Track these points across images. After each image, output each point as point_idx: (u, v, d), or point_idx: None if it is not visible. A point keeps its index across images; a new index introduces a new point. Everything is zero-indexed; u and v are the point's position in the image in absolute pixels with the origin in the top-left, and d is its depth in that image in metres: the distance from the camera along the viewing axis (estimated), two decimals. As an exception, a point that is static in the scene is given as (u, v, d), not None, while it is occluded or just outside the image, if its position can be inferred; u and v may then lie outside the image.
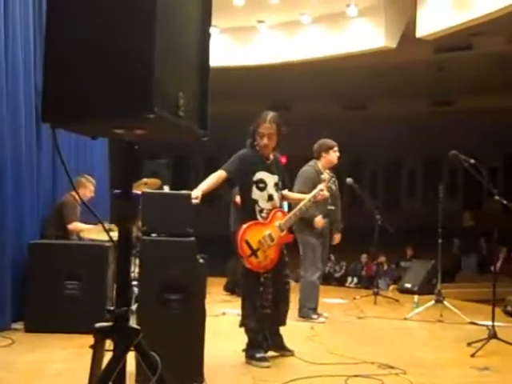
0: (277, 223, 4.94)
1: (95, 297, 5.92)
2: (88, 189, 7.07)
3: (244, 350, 5.04)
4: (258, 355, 4.91)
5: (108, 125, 2.20)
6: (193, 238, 3.98)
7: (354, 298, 9.67)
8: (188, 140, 2.53)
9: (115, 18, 2.06)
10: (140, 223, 3.99)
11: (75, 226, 6.76)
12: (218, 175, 4.75)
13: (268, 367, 4.82)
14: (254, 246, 4.82)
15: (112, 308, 2.30)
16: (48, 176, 7.10)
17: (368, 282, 12.91)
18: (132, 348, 2.28)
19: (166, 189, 6.51)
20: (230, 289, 9.39)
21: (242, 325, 5.04)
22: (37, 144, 6.67)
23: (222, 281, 10.14)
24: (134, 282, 5.46)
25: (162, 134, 2.47)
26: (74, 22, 2.11)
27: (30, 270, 6.02)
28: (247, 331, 5.00)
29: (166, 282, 3.89)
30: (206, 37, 2.41)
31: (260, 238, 4.85)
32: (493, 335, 5.51)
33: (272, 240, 4.89)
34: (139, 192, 2.31)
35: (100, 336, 2.32)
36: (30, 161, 6.40)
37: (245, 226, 4.83)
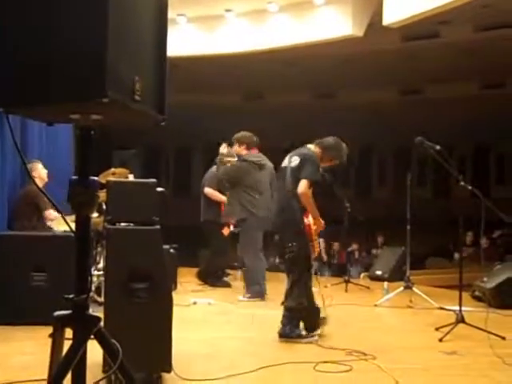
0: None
1: (62, 288, 5.73)
2: (38, 170, 6.94)
3: (283, 332, 5.35)
4: (304, 332, 5.36)
5: (63, 110, 2.18)
6: (158, 226, 3.94)
7: (325, 286, 9.70)
8: (145, 125, 2.51)
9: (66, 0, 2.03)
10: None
11: (51, 213, 6.74)
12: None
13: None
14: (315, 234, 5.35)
15: (71, 296, 2.30)
16: (12, 165, 7.00)
17: (340, 271, 12.98)
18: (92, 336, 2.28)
19: (131, 178, 6.46)
20: (203, 278, 9.37)
21: (292, 305, 5.34)
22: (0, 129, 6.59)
23: (194, 271, 10.11)
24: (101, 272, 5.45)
25: (119, 119, 2.45)
26: (20, 6, 2.08)
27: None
28: (299, 310, 5.33)
29: (132, 270, 3.85)
30: (162, 21, 2.39)
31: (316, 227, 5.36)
32: (460, 320, 5.59)
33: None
34: (96, 178, 2.26)
35: (59, 324, 2.32)
36: None
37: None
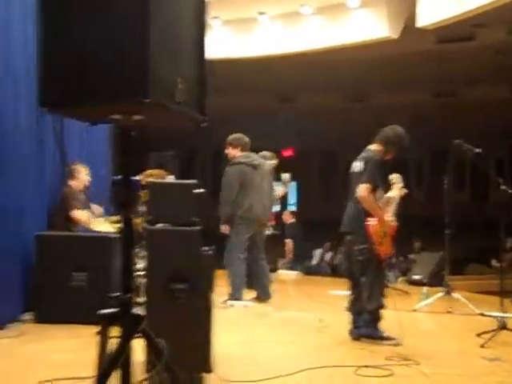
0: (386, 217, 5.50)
1: (101, 288, 5.83)
2: (81, 175, 7.05)
3: (366, 332, 5.43)
4: (386, 334, 5.42)
5: (105, 110, 2.20)
6: (198, 227, 3.94)
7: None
8: (186, 126, 2.52)
9: (111, 3, 2.05)
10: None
11: (74, 214, 6.79)
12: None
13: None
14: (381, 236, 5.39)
15: (116, 294, 2.32)
16: (53, 164, 7.05)
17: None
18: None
19: (172, 179, 6.48)
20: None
21: (373, 307, 5.41)
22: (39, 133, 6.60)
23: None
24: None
25: (160, 120, 2.47)
26: (70, 8, 2.10)
27: (38, 261, 6.04)
28: (379, 311, 5.42)
29: (172, 271, 3.86)
30: (201, 23, 2.41)
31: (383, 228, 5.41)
32: (502, 326, 5.49)
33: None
34: (138, 178, 2.28)
35: (105, 322, 2.33)
36: (33, 151, 6.38)
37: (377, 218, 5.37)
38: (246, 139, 7.70)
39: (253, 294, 7.77)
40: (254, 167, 7.57)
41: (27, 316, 6.04)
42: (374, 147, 5.58)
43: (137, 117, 2.22)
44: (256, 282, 7.70)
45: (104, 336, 2.37)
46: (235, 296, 7.40)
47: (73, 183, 7.01)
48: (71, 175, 7.01)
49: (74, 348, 5.01)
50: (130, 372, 2.32)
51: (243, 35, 12.46)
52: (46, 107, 2.15)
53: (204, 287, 4.03)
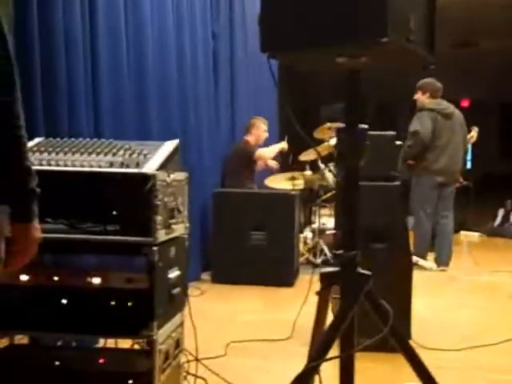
0: None
1: (282, 248, 6.06)
2: (261, 129, 7.18)
3: None
4: None
5: (330, 54, 2.14)
6: (397, 183, 3.85)
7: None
8: (413, 66, 2.42)
9: None
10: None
11: (262, 151, 7.01)
12: None
13: None
14: None
15: (339, 252, 2.27)
16: (226, 122, 7.29)
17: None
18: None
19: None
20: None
21: None
22: (214, 88, 6.86)
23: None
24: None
25: (388, 61, 2.38)
26: None
27: (215, 220, 6.21)
28: None
29: (370, 230, 3.79)
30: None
31: None
32: None
33: None
34: (365, 127, 2.21)
35: (326, 282, 2.30)
36: (208, 105, 6.59)
37: None
38: (438, 85, 7.35)
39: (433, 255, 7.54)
40: (446, 116, 7.25)
41: (205, 275, 6.28)
42: None
43: (364, 59, 2.14)
44: (436, 242, 7.43)
45: (324, 297, 2.33)
46: (418, 256, 7.22)
47: (249, 138, 7.14)
48: (248, 130, 7.16)
49: (259, 309, 5.14)
50: (353, 337, 2.27)
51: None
52: (267, 51, 2.11)
53: (404, 247, 3.94)
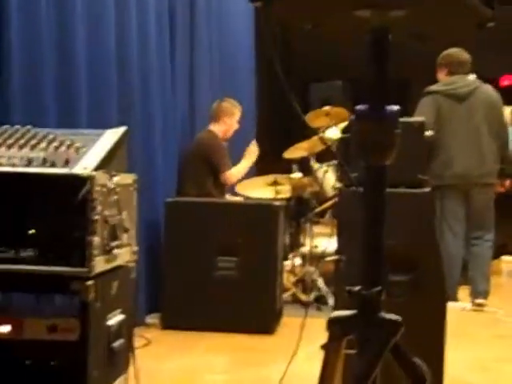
0: None
1: (260, 280, 6.02)
2: (235, 118, 7.25)
3: None
4: None
5: (349, 4, 2.08)
6: (428, 189, 3.81)
7: None
8: (464, 25, 2.36)
9: None
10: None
11: (232, 174, 6.98)
12: None
13: None
14: None
15: (356, 288, 2.21)
16: (184, 103, 7.32)
17: None
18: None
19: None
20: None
21: None
22: (170, 56, 6.89)
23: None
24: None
25: (428, 18, 2.32)
26: None
27: (167, 240, 6.17)
28: None
29: (387, 255, 3.73)
30: None
31: None
32: None
33: None
34: (396, 108, 2.14)
35: (337, 331, 2.24)
36: (160, 80, 6.60)
37: None
38: (463, 57, 7.25)
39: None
40: (457, 98, 7.16)
41: (152, 318, 6.24)
42: None
43: (396, 12, 2.08)
44: (469, 271, 7.40)
45: (333, 352, 2.27)
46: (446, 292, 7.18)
47: (216, 128, 7.16)
48: (216, 116, 7.19)
49: (227, 366, 5.10)
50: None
51: None
52: (258, 2, 2.03)
53: (436, 280, 3.90)
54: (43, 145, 2.57)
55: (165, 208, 6.15)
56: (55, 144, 2.56)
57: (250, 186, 7.27)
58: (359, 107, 2.19)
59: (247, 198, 7.17)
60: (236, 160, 7.10)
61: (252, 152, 7.13)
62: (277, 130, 11.06)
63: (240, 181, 7.25)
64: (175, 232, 6.09)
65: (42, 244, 2.39)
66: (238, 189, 7.22)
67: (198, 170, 6.82)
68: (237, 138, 7.30)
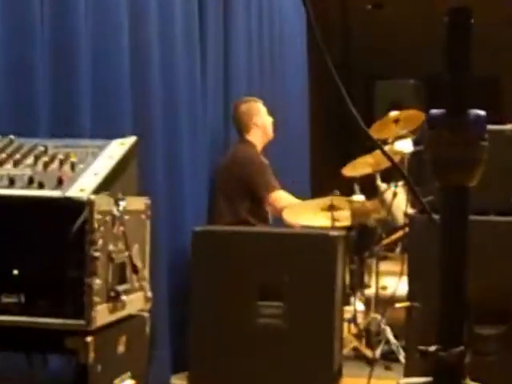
0: None
1: (313, 331, 5.92)
2: (263, 114, 7.36)
3: None
4: None
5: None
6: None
7: None
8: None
9: None
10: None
11: (281, 197, 7.07)
12: None
13: None
14: None
15: (432, 348, 2.17)
16: (218, 107, 7.42)
17: None
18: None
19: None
20: None
21: None
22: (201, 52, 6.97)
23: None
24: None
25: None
26: None
27: (194, 280, 6.10)
28: None
29: (477, 303, 3.68)
30: None
31: None
32: None
33: None
34: (482, 113, 2.11)
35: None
36: (188, 78, 6.67)
37: None
38: None
39: None
40: None
41: (178, 379, 6.23)
42: None
43: None
44: None
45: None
46: None
47: (252, 138, 7.20)
48: (243, 124, 7.27)
49: None
50: None
51: None
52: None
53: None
54: (29, 160, 2.53)
55: (193, 239, 6.10)
56: (45, 159, 2.53)
57: (300, 211, 7.21)
58: (433, 112, 2.16)
59: (296, 226, 7.12)
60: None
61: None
62: (335, 139, 11.02)
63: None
64: (205, 270, 6.02)
65: (28, 288, 2.36)
66: (286, 215, 7.17)
67: (232, 192, 6.82)
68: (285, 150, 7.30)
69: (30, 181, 2.43)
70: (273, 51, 8.77)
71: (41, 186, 2.41)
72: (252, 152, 7.04)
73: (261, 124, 7.13)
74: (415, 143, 6.35)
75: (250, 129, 7.12)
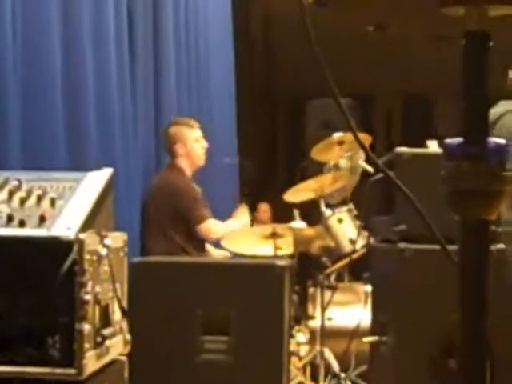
0: None
1: (259, 366, 5.91)
2: (190, 139, 7.35)
3: None
4: None
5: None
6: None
7: None
8: None
9: None
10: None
11: (211, 227, 7.07)
12: None
13: None
14: None
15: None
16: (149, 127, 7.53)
17: None
18: None
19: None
20: None
21: None
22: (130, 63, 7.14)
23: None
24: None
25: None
26: None
27: (132, 315, 5.93)
28: None
29: (439, 336, 3.73)
30: None
31: None
32: None
33: None
34: (503, 141, 2.11)
35: None
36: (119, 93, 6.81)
37: None
38: None
39: None
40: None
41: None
42: None
43: (496, 10, 2.06)
44: None
45: None
46: None
47: (180, 162, 7.26)
48: (171, 148, 7.36)
49: None
50: None
51: None
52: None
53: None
54: (3, 195, 2.46)
55: (130, 272, 6.03)
56: (20, 194, 2.45)
57: (240, 238, 7.20)
58: (450, 142, 2.14)
59: (238, 255, 7.10)
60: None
61: (241, 214, 7.18)
62: (275, 163, 11.01)
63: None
64: (144, 304, 5.95)
65: (11, 336, 2.28)
66: (225, 243, 7.15)
67: (165, 221, 6.80)
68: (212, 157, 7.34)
69: (9, 219, 2.36)
70: (199, 71, 8.88)
71: (22, 224, 2.33)
72: (182, 181, 7.04)
73: (184, 152, 7.10)
74: (377, 170, 6.28)
75: (176, 154, 7.11)
